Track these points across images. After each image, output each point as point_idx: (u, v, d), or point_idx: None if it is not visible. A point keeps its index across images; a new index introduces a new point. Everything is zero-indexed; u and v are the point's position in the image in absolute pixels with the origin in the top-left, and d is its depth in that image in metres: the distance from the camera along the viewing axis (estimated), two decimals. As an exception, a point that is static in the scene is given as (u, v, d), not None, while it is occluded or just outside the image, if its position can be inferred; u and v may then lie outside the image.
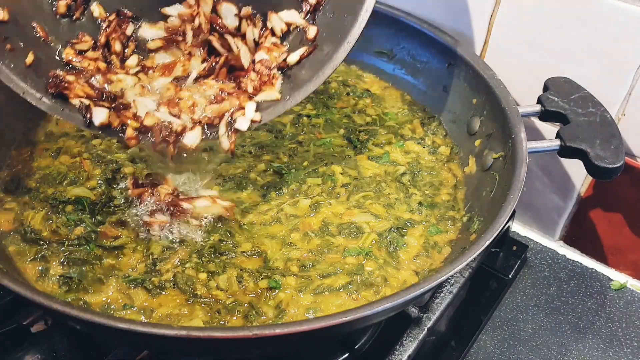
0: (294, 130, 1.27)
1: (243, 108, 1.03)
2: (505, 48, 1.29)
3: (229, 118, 1.02)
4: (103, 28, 1.09)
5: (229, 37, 1.07)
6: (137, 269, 0.99)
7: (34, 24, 1.04)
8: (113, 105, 1.02)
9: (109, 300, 0.94)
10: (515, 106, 1.13)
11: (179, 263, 1.00)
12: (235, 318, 0.93)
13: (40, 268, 0.98)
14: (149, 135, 1.02)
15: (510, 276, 1.32)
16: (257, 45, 1.08)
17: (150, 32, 1.10)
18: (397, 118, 1.34)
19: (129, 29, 1.10)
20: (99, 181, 1.12)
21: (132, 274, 0.98)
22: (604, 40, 1.15)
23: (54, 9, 1.06)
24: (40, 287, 0.95)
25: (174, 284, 0.97)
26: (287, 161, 1.20)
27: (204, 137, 1.02)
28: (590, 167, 1.06)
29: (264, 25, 1.08)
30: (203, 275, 0.98)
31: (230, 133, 1.02)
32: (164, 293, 0.96)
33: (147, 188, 1.08)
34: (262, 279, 0.98)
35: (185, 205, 1.05)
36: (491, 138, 1.17)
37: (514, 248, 1.37)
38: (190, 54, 1.08)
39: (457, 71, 1.28)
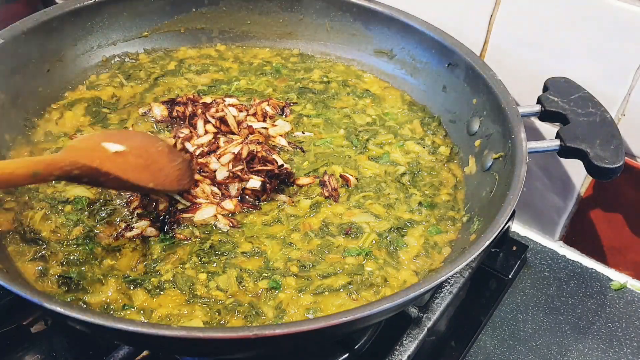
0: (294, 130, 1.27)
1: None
2: (505, 48, 1.29)
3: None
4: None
5: None
6: (136, 269, 0.99)
7: None
8: None
9: (108, 301, 0.94)
10: (515, 106, 1.12)
11: (179, 264, 1.00)
12: (235, 318, 0.93)
13: (39, 268, 0.98)
14: None
15: (510, 276, 1.32)
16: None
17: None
18: (397, 118, 1.34)
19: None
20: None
21: (131, 274, 0.98)
22: (604, 40, 1.15)
23: None
24: (39, 287, 0.95)
25: (173, 285, 0.97)
26: (288, 161, 1.20)
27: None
28: (590, 167, 1.06)
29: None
30: (203, 276, 0.98)
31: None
32: (163, 293, 0.96)
33: (139, 195, 1.08)
34: (262, 279, 0.98)
35: (185, 215, 1.06)
36: (491, 138, 1.17)
37: (514, 248, 1.37)
38: None
39: (457, 71, 1.28)
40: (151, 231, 1.03)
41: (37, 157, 0.89)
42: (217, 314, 0.93)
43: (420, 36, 1.35)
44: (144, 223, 1.04)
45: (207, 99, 1.30)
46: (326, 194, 1.13)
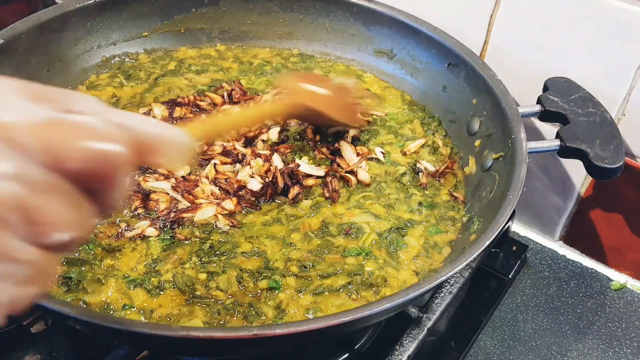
0: (296, 129, 1.27)
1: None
2: (505, 48, 1.29)
3: None
4: None
5: None
6: (136, 269, 0.99)
7: None
8: None
9: (108, 301, 0.94)
10: (515, 106, 1.13)
11: (179, 264, 1.00)
12: (235, 318, 0.93)
13: (39, 268, 0.98)
14: None
15: (510, 276, 1.31)
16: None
17: None
18: (397, 118, 1.34)
19: None
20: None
21: (131, 274, 0.98)
22: (604, 40, 1.15)
23: None
24: (39, 287, 0.95)
25: (173, 285, 0.97)
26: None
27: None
28: (590, 167, 1.06)
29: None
30: (203, 276, 0.98)
31: None
32: (163, 293, 0.96)
33: (140, 195, 1.08)
34: (262, 279, 0.98)
35: (186, 215, 1.05)
36: (491, 138, 1.17)
37: (514, 248, 1.37)
38: None
39: (457, 71, 1.28)
40: (151, 231, 1.03)
41: (274, 103, 1.17)
42: (217, 314, 0.93)
43: (420, 36, 1.35)
44: (144, 223, 1.04)
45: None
46: (327, 194, 1.13)
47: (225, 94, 1.32)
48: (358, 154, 1.21)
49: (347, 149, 1.21)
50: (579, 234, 1.39)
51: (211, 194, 1.10)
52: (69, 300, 0.93)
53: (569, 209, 1.37)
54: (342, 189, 1.15)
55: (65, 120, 0.48)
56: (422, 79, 1.38)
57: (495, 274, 1.32)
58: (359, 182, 1.16)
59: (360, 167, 1.18)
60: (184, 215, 1.05)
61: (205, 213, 1.06)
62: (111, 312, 0.93)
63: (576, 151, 1.07)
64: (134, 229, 1.03)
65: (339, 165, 1.19)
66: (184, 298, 0.95)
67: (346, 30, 1.46)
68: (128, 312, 0.93)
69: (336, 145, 1.21)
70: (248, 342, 0.77)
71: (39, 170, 0.45)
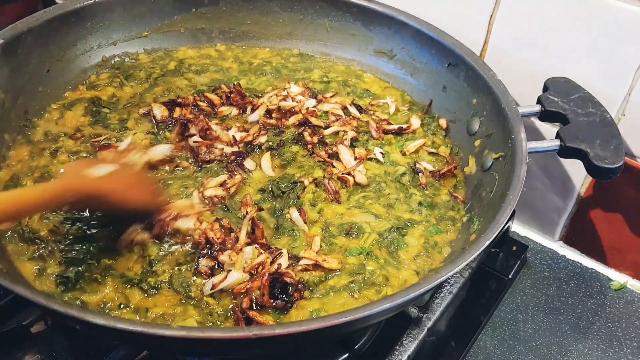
0: (296, 130, 1.27)
1: None
2: (505, 48, 1.29)
3: None
4: None
5: None
6: (132, 269, 0.99)
7: None
8: None
9: (105, 300, 0.94)
10: (515, 106, 1.13)
11: (176, 264, 1.00)
12: (228, 322, 0.93)
13: (37, 267, 0.98)
14: None
15: (510, 276, 1.31)
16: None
17: None
18: (397, 118, 1.34)
19: None
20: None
21: (128, 274, 0.98)
22: (604, 40, 1.15)
23: None
24: (37, 286, 0.95)
25: (169, 285, 0.96)
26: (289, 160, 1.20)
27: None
28: (590, 167, 1.06)
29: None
30: (199, 279, 0.98)
31: None
32: (158, 293, 0.95)
33: None
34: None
35: (179, 224, 1.04)
36: (491, 138, 1.17)
37: (514, 248, 1.37)
38: None
39: (457, 71, 1.28)
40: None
41: (42, 184, 0.97)
42: (210, 315, 0.93)
43: (420, 36, 1.35)
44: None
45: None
46: (330, 197, 1.13)
47: (224, 95, 1.32)
48: (356, 158, 1.20)
49: (344, 152, 1.20)
50: (579, 234, 1.39)
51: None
52: (66, 299, 0.93)
53: (569, 209, 1.37)
54: (341, 189, 1.15)
55: None
56: (422, 79, 1.38)
57: (495, 274, 1.32)
58: (356, 183, 1.16)
59: (357, 169, 1.17)
60: (169, 220, 1.03)
61: (186, 223, 1.04)
62: (108, 311, 0.93)
63: (576, 151, 1.07)
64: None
65: (335, 167, 1.18)
66: (178, 298, 0.95)
67: (346, 30, 1.46)
68: (124, 311, 0.93)
69: (334, 148, 1.21)
70: (248, 342, 0.77)
71: None
